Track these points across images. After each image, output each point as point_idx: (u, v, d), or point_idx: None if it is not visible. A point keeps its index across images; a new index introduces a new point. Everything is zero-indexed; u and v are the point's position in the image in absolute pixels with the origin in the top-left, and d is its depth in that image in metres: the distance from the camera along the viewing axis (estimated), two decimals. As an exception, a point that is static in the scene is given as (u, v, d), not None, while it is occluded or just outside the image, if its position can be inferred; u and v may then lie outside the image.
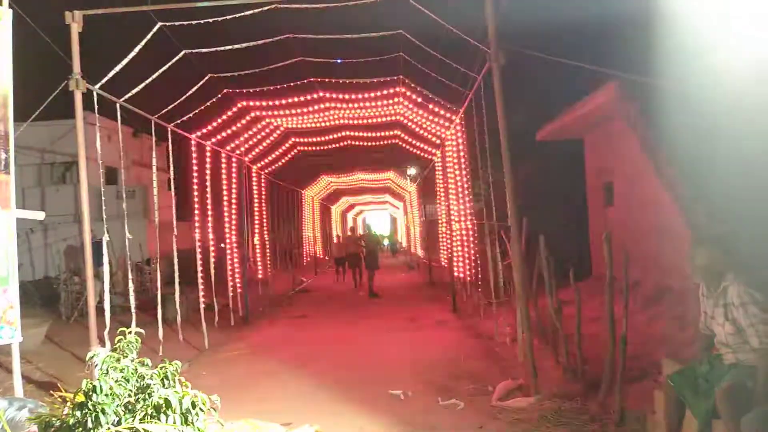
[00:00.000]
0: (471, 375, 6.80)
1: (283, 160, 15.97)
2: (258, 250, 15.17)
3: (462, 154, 10.29)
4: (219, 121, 10.39)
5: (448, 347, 8.38)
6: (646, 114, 8.77)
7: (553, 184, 14.16)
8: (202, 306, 9.48)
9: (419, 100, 10.32)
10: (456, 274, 12.14)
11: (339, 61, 8.62)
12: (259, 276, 15.11)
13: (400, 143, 14.81)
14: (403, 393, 6.22)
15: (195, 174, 10.47)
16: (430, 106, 10.48)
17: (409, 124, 12.32)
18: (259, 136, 12.56)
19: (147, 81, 7.26)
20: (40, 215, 5.96)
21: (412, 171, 20.25)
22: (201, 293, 9.79)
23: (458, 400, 5.84)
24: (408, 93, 10.10)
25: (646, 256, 9.20)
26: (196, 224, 10.33)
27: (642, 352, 6.43)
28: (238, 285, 11.83)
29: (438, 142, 12.75)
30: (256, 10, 6.76)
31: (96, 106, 6.58)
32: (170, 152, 8.99)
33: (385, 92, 10.17)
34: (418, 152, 15.06)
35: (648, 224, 9.48)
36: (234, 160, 12.38)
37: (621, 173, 10.91)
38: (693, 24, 5.76)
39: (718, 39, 5.84)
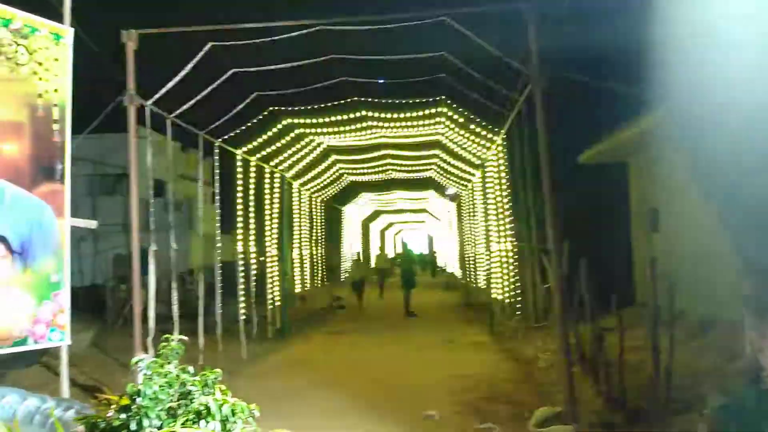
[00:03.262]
0: (507, 399, 6.69)
1: (324, 177, 16.19)
2: (297, 265, 15.36)
3: (503, 175, 10.25)
4: (263, 137, 10.64)
5: (485, 369, 8.28)
6: (694, 139, 8.55)
7: (595, 207, 13.87)
8: (241, 318, 9.63)
9: (461, 120, 10.35)
10: (494, 296, 12.00)
11: (381, 80, 8.74)
12: (297, 291, 15.28)
13: (440, 163, 14.84)
14: (437, 414, 6.16)
15: (239, 188, 10.71)
16: (471, 127, 10.50)
17: (450, 144, 12.35)
18: (301, 153, 12.79)
19: (197, 98, 7.52)
20: (92, 224, 6.21)
21: (451, 191, 20.19)
22: (241, 305, 9.95)
23: (494, 425, 5.74)
24: (450, 113, 10.15)
25: (693, 284, 8.91)
26: (239, 237, 10.54)
27: (687, 383, 6.20)
28: (276, 298, 11.98)
29: (478, 162, 12.73)
30: (302, 32, 6.94)
31: (148, 121, 6.84)
32: (216, 167, 9.24)
33: (426, 112, 10.24)
34: (458, 173, 15.05)
35: (696, 252, 9.20)
36: (276, 175, 12.62)
37: (667, 199, 10.64)
38: (744, 49, 5.63)
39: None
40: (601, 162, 13.27)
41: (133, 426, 2.49)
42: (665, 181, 10.60)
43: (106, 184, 21.23)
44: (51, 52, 5.26)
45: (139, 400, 2.56)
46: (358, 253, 20.91)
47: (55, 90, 5.27)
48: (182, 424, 2.52)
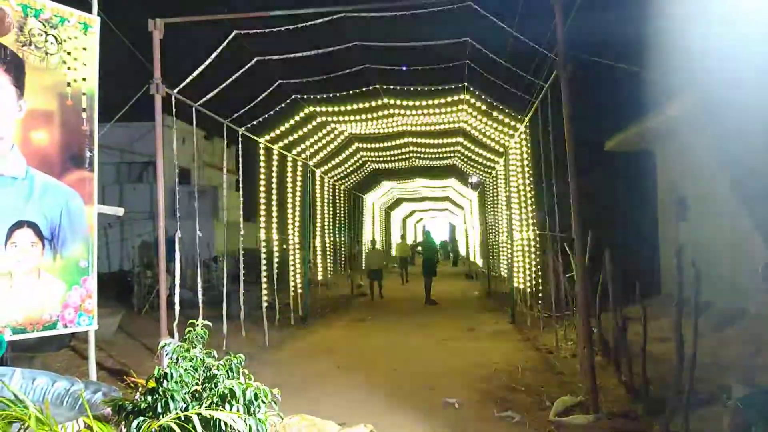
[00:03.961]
0: (528, 388, 6.68)
1: (346, 165, 16.22)
2: (319, 253, 15.45)
3: (526, 163, 10.15)
4: (286, 125, 10.70)
5: (506, 358, 8.27)
6: (722, 127, 8.38)
7: (621, 196, 13.71)
8: (264, 304, 9.75)
9: (483, 107, 10.26)
10: (516, 284, 11.95)
11: (404, 67, 8.70)
12: (320, 278, 15.39)
13: (463, 150, 14.74)
14: (457, 401, 6.19)
15: (262, 176, 10.80)
16: (495, 114, 10.40)
17: (473, 131, 12.26)
18: (324, 141, 12.82)
19: (222, 86, 7.58)
20: (119, 211, 6.33)
21: (474, 179, 20.09)
22: (264, 292, 10.07)
23: (514, 413, 5.75)
24: (472, 101, 10.07)
25: (721, 275, 8.77)
26: (262, 225, 10.64)
27: (711, 375, 6.12)
28: (299, 286, 12.10)
29: (501, 150, 12.63)
30: (326, 19, 6.94)
31: (174, 110, 6.92)
32: (239, 155, 9.32)
33: (449, 99, 10.17)
34: (481, 160, 14.94)
35: (723, 242, 9.04)
36: (299, 163, 12.68)
37: (695, 187, 10.45)
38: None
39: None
40: (627, 149, 13.07)
41: (159, 408, 2.55)
42: (693, 169, 10.40)
43: (133, 172, 21.58)
44: (79, 42, 5.36)
45: (165, 383, 2.62)
46: (373, 241, 20.14)
47: (84, 79, 5.38)
48: (207, 407, 2.58)
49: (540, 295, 10.13)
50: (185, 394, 2.67)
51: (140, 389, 2.80)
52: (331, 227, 17.47)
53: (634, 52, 8.47)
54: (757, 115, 6.53)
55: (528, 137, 9.91)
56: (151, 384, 2.66)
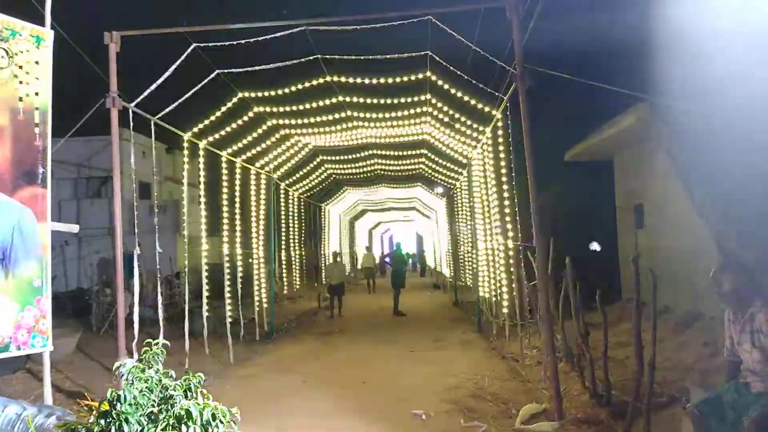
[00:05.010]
0: (495, 397, 6.72)
1: (311, 177, 16.15)
2: (284, 266, 15.29)
3: (488, 173, 10.27)
4: (249, 138, 10.60)
5: (473, 368, 8.31)
6: (676, 136, 8.65)
7: (581, 205, 14.00)
8: (228, 320, 9.59)
9: (446, 119, 10.36)
10: (481, 294, 12.04)
11: (366, 80, 8.72)
12: (285, 292, 15.22)
13: (427, 162, 14.85)
14: (425, 413, 6.18)
15: (225, 190, 10.66)
16: (457, 126, 10.51)
17: (436, 143, 12.36)
18: (287, 154, 12.74)
19: (181, 99, 7.47)
20: (74, 228, 6.15)
21: (439, 189, 20.23)
22: (228, 307, 9.90)
23: (481, 422, 5.77)
24: (435, 113, 10.16)
25: (677, 280, 9.01)
26: (225, 239, 10.49)
27: (671, 378, 6.28)
28: (264, 300, 11.94)
29: (465, 161, 12.76)
30: (287, 32, 6.92)
31: (131, 123, 6.79)
32: (201, 169, 9.19)
33: (412, 112, 10.23)
34: (445, 171, 15.07)
35: (679, 248, 9.30)
36: (263, 177, 12.57)
37: (652, 195, 10.75)
38: (726, 48, 5.71)
39: (751, 63, 5.77)
40: (586, 159, 13.37)
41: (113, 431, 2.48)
42: (649, 177, 10.70)
43: (91, 187, 21.04)
44: (32, 55, 5.22)
45: (119, 405, 2.54)
46: (336, 253, 19.10)
47: (36, 93, 5.23)
48: (163, 428, 2.51)
49: (505, 303, 10.21)
50: (140, 416, 2.59)
51: (94, 412, 2.71)
52: (296, 240, 17.32)
53: (593, 63, 8.70)
54: (710, 124, 6.76)
55: (490, 148, 10.03)
56: (105, 407, 2.58)
